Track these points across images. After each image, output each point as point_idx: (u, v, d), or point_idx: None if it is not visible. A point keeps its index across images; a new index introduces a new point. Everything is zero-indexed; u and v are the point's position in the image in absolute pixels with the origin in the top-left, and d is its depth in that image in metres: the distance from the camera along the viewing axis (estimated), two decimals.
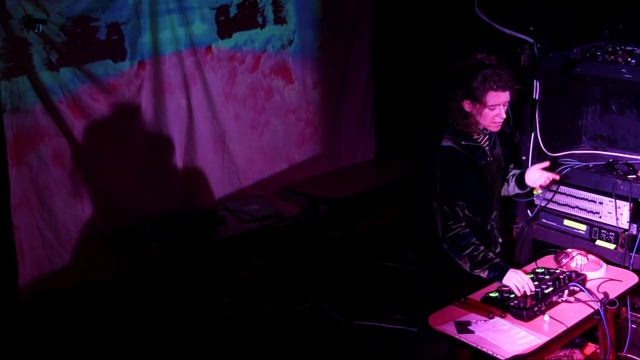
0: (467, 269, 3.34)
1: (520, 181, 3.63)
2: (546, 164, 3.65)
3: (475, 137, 3.40)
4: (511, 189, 3.68)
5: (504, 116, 3.35)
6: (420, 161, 3.57)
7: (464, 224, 3.36)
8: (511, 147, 4.19)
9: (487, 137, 3.46)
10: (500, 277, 3.26)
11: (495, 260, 3.30)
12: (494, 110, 3.31)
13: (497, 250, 3.50)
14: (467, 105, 3.34)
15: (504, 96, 3.31)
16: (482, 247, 3.33)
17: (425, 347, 3.63)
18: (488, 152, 3.45)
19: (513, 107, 3.90)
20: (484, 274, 3.30)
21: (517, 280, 3.22)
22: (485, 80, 3.27)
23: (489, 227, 3.49)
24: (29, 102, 4.02)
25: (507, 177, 3.67)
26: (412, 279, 3.74)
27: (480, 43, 3.54)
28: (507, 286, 3.23)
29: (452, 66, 3.43)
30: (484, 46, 3.49)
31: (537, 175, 3.60)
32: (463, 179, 3.37)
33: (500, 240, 3.58)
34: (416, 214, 3.65)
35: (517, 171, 3.68)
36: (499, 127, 3.40)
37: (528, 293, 3.18)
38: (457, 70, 3.38)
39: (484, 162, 3.43)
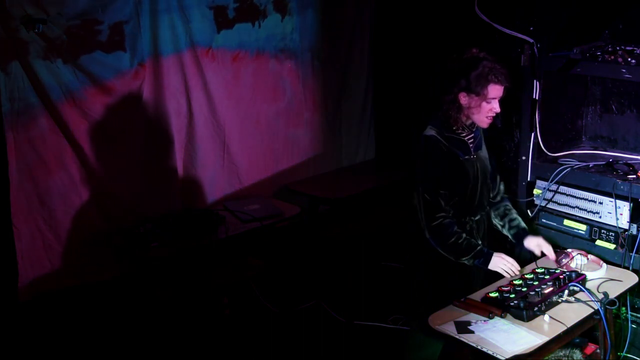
0: (453, 258, 3.37)
1: (518, 238, 3.60)
2: (548, 252, 3.56)
3: (459, 131, 3.42)
4: (505, 232, 3.67)
5: (499, 110, 3.36)
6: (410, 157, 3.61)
7: (446, 214, 3.38)
8: (499, 151, 4.20)
9: (472, 134, 3.47)
10: (485, 264, 3.33)
11: (479, 247, 3.35)
12: (490, 103, 3.33)
13: None
14: (463, 98, 3.34)
15: (501, 90, 3.34)
16: (464, 235, 3.37)
17: (423, 346, 3.63)
18: (472, 150, 3.46)
19: (511, 107, 3.90)
20: (470, 262, 3.35)
21: (503, 264, 3.30)
22: (486, 73, 3.29)
23: (467, 228, 3.49)
24: (29, 102, 4.02)
25: (505, 219, 3.65)
26: (410, 279, 3.75)
27: (480, 43, 3.54)
28: (507, 286, 3.24)
29: (447, 60, 3.44)
30: (484, 46, 3.49)
31: (534, 244, 3.57)
32: (444, 168, 3.38)
33: (480, 243, 3.55)
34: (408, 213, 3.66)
35: (518, 223, 3.63)
36: (490, 123, 3.41)
37: (515, 274, 3.26)
38: (453, 63, 3.39)
39: (467, 158, 3.43)
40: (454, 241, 3.35)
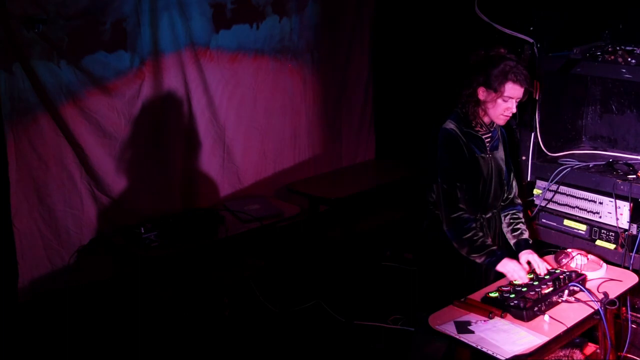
0: (464, 253, 3.39)
1: (517, 248, 3.59)
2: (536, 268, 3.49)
3: (477, 128, 3.44)
4: (508, 237, 3.67)
5: (515, 111, 3.38)
6: (422, 151, 3.59)
7: (465, 207, 3.40)
8: (514, 153, 4.17)
9: (489, 133, 3.48)
10: (495, 264, 3.34)
11: (492, 247, 3.37)
12: (507, 102, 3.35)
13: None
14: (481, 93, 3.37)
15: (519, 91, 3.35)
16: (481, 233, 3.39)
17: (423, 346, 3.63)
18: (487, 149, 3.47)
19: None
20: (480, 260, 3.37)
21: (513, 269, 3.31)
22: (506, 71, 3.31)
23: (478, 225, 3.49)
24: (30, 102, 4.02)
25: (509, 227, 3.65)
26: (412, 278, 3.75)
27: (481, 43, 3.55)
28: (507, 286, 3.25)
29: (472, 54, 3.45)
30: (484, 46, 3.50)
31: (524, 259, 3.52)
32: (462, 161, 3.40)
33: (488, 241, 3.57)
34: (416, 211, 3.67)
35: (519, 233, 3.61)
36: (506, 122, 3.43)
37: (522, 281, 3.26)
38: (477, 58, 3.41)
39: (482, 155, 3.45)
40: (469, 236, 3.36)
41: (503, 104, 3.35)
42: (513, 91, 3.33)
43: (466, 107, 3.42)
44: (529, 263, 3.48)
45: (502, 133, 3.60)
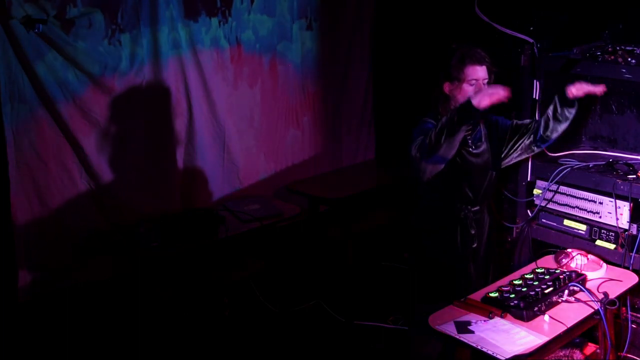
0: (442, 142, 3.15)
1: (564, 101, 3.48)
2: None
3: None
4: (556, 118, 3.54)
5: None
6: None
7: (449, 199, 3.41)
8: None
9: (469, 127, 3.47)
10: (469, 105, 3.09)
11: (452, 111, 3.22)
12: (473, 85, 3.35)
13: (473, 246, 3.50)
14: (447, 88, 3.41)
15: (482, 71, 3.36)
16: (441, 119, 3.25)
17: (420, 346, 3.63)
18: (469, 142, 3.47)
19: (512, 107, 3.87)
20: (460, 126, 3.14)
21: (488, 94, 3.09)
22: (461, 57, 3.36)
23: (462, 215, 3.49)
24: (30, 102, 4.02)
25: (544, 124, 3.54)
26: (411, 278, 3.76)
27: (481, 43, 3.55)
28: (507, 286, 3.24)
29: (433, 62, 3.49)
30: (484, 46, 3.50)
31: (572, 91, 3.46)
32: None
33: (473, 232, 3.54)
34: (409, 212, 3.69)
35: (549, 112, 3.51)
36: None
37: (502, 94, 3.08)
38: (437, 59, 3.47)
39: (462, 150, 3.45)
40: (435, 130, 3.18)
41: (470, 89, 3.35)
42: (475, 72, 3.35)
43: (438, 107, 3.46)
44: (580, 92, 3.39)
45: (487, 125, 3.60)
